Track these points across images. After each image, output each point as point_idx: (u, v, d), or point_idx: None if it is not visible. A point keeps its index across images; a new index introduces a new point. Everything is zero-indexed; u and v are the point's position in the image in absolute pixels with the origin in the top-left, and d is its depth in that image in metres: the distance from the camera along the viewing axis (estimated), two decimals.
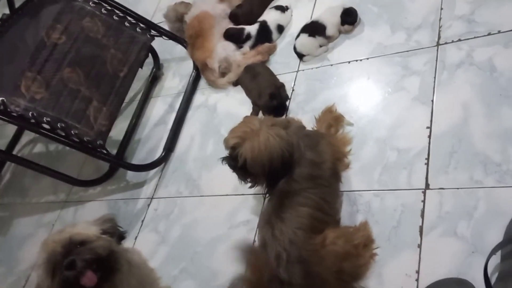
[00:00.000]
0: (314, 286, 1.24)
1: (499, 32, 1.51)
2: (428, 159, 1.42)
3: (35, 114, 1.80)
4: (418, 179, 1.40)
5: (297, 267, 1.24)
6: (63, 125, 1.85)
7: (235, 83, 2.06)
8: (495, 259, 1.16)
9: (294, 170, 1.36)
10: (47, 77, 1.88)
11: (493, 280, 1.13)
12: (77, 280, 1.17)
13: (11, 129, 2.71)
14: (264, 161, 1.34)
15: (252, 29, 2.10)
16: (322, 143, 1.45)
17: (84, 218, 2.14)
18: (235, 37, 2.11)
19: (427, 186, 1.38)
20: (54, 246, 1.21)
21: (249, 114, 1.90)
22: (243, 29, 2.10)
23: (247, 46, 2.08)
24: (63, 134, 1.87)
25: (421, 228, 1.32)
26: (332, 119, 1.64)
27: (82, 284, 1.17)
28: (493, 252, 1.13)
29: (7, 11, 2.38)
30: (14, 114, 1.78)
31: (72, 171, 2.28)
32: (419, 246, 1.29)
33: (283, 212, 1.32)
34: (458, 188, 1.32)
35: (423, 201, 1.36)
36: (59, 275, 1.18)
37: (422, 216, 1.34)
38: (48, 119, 1.83)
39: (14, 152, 2.63)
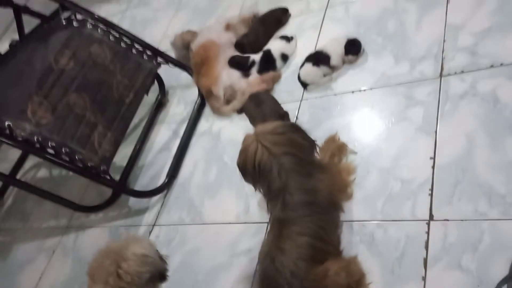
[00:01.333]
0: None
1: (502, 64, 1.53)
2: (432, 190, 1.41)
3: (40, 139, 1.81)
4: (422, 210, 1.39)
5: None
6: (67, 150, 1.86)
7: (239, 111, 2.08)
8: None
9: (285, 197, 1.35)
10: (53, 102, 1.89)
11: None
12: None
13: (15, 153, 2.72)
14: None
15: (256, 57, 2.13)
16: (318, 172, 1.44)
17: (85, 244, 2.12)
18: (241, 65, 2.13)
19: (431, 217, 1.36)
20: None
21: None
22: (248, 57, 2.13)
23: (254, 72, 2.10)
24: (67, 159, 1.87)
25: (425, 260, 1.30)
26: (335, 148, 1.64)
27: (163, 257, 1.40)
28: (499, 286, 1.11)
29: (16, 37, 2.41)
30: (20, 138, 1.79)
31: (74, 197, 2.28)
32: (424, 278, 1.27)
33: (282, 243, 1.30)
34: (462, 220, 1.31)
35: (427, 233, 1.34)
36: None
37: (426, 247, 1.32)
38: (53, 143, 1.83)
39: (18, 177, 2.63)
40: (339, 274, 1.25)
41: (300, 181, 1.37)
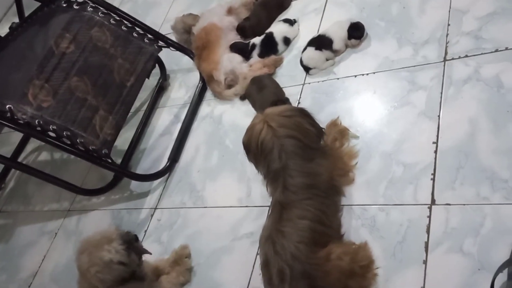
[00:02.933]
0: None
1: (506, 49, 1.52)
2: (434, 174, 1.41)
3: (41, 122, 1.81)
4: (424, 194, 1.39)
5: (302, 282, 1.22)
6: (69, 133, 1.86)
7: (242, 97, 2.06)
8: (502, 277, 1.14)
9: (285, 180, 1.37)
10: (54, 85, 1.89)
11: None
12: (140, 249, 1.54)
13: (17, 136, 2.72)
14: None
15: (257, 40, 2.11)
16: (319, 157, 1.45)
17: (87, 227, 2.13)
18: (243, 51, 2.12)
19: (433, 201, 1.37)
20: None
21: None
22: (248, 43, 2.12)
23: (255, 55, 2.09)
24: (69, 142, 1.87)
25: (426, 244, 1.31)
26: (337, 133, 1.64)
27: (142, 250, 1.54)
28: (500, 269, 1.12)
29: (17, 20, 2.39)
30: (21, 121, 1.79)
31: (76, 180, 2.28)
32: (425, 262, 1.28)
33: (283, 226, 1.31)
34: (464, 204, 1.31)
35: (429, 217, 1.35)
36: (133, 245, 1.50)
37: (428, 231, 1.33)
38: (54, 127, 1.83)
39: (19, 160, 2.64)
40: (342, 258, 1.25)
41: (300, 164, 1.38)
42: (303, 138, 1.42)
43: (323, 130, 1.56)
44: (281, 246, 1.27)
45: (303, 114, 1.50)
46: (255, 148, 1.44)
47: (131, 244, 1.49)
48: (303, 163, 1.39)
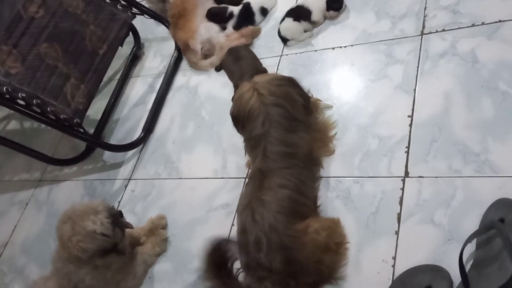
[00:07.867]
0: (294, 274, 1.24)
1: (483, 23, 1.52)
2: (408, 147, 1.43)
3: (9, 89, 1.75)
4: (398, 167, 1.41)
5: (278, 253, 1.23)
6: (39, 101, 1.80)
7: (218, 68, 2.03)
8: (471, 247, 1.17)
9: (266, 147, 1.37)
10: (23, 51, 1.82)
11: (467, 268, 1.15)
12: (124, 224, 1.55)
13: None
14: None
15: (235, 9, 2.07)
16: (301, 130, 1.44)
17: (59, 197, 2.10)
18: (218, 16, 2.08)
19: (406, 174, 1.39)
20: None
21: (230, 97, 1.88)
22: (226, 8, 2.08)
23: (230, 26, 2.05)
24: (39, 110, 1.82)
25: (399, 215, 1.33)
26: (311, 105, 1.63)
27: (125, 224, 1.56)
28: (469, 240, 1.15)
29: None
30: None
31: (47, 150, 2.23)
32: (397, 232, 1.31)
33: (263, 194, 1.31)
34: (436, 177, 1.34)
35: (402, 189, 1.37)
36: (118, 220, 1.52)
37: (401, 203, 1.35)
38: (24, 94, 1.77)
39: None
40: (319, 232, 1.26)
41: (282, 133, 1.38)
42: (290, 108, 1.42)
43: (310, 99, 1.55)
44: (260, 215, 1.27)
45: (292, 82, 1.50)
46: (243, 117, 1.44)
47: (116, 218, 1.49)
48: (284, 133, 1.39)
